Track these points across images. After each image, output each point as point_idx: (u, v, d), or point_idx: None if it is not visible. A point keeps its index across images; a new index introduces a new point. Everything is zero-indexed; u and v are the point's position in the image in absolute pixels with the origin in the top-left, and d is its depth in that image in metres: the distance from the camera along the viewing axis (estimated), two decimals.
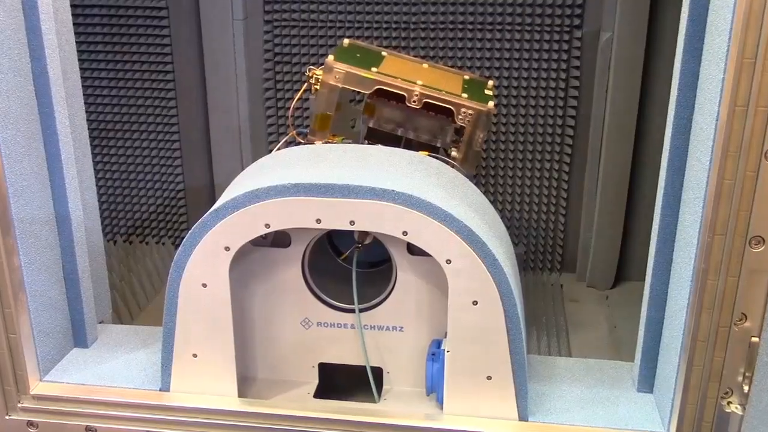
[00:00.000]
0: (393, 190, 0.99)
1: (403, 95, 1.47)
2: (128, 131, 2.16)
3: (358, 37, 1.98)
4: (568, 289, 2.10)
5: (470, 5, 1.92)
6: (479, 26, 1.93)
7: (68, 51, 1.17)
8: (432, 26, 1.95)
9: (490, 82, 1.64)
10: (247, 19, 1.99)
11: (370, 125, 1.57)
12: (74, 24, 2.02)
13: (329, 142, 1.51)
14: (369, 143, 1.61)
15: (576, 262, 2.14)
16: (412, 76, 1.52)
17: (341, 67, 1.47)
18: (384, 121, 1.56)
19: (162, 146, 2.17)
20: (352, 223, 1.00)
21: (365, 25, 1.97)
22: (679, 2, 1.83)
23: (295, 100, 1.53)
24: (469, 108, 1.47)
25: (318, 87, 1.50)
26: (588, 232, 2.07)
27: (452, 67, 1.96)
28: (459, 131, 1.52)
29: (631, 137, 1.94)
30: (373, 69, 1.49)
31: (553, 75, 1.95)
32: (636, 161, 1.98)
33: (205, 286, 1.07)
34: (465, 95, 1.49)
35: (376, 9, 1.95)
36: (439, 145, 1.57)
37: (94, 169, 2.14)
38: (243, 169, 2.09)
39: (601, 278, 2.09)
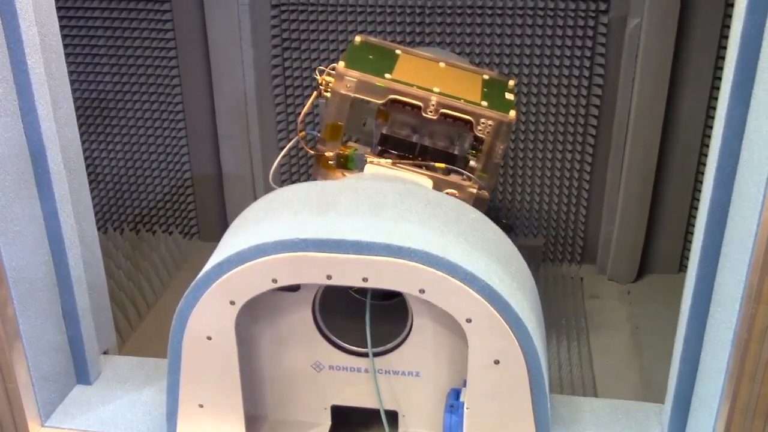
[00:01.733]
0: (409, 248, 0.92)
1: (419, 105, 1.38)
2: (133, 119, 2.08)
3: (370, 23, 1.88)
4: (588, 282, 2.03)
5: None
6: (499, 11, 1.82)
7: (59, 78, 1.08)
8: (449, 11, 1.84)
9: (511, 82, 1.54)
10: (254, 3, 1.88)
11: (384, 131, 1.49)
12: (75, 12, 1.95)
13: (341, 154, 1.43)
14: (382, 149, 1.53)
15: (597, 253, 2.07)
16: (428, 80, 1.43)
17: (353, 75, 1.37)
18: (398, 127, 1.47)
19: (168, 134, 2.10)
20: (365, 280, 0.93)
21: (377, 9, 1.86)
22: None
23: (305, 108, 1.44)
24: (488, 118, 1.37)
25: (328, 94, 1.41)
26: (610, 225, 1.99)
27: (470, 55, 1.86)
28: (478, 138, 1.43)
29: (658, 129, 1.84)
30: (387, 75, 1.40)
31: (577, 63, 1.84)
32: (663, 153, 1.89)
33: (209, 338, 1.01)
34: (485, 103, 1.40)
35: None
36: (456, 152, 1.49)
37: (99, 158, 2.10)
38: (251, 158, 2.03)
39: (623, 271, 2.02)
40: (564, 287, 2.00)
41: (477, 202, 1.43)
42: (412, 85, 1.38)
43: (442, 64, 1.55)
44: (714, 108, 1.82)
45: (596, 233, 2.04)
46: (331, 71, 1.44)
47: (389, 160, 1.42)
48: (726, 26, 1.75)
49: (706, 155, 1.85)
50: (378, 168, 1.42)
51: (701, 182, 1.90)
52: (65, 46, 1.97)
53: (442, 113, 1.38)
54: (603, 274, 2.05)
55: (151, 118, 2.08)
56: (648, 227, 1.97)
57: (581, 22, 1.80)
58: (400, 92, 1.37)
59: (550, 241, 2.06)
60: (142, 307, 1.93)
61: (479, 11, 1.83)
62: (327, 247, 0.92)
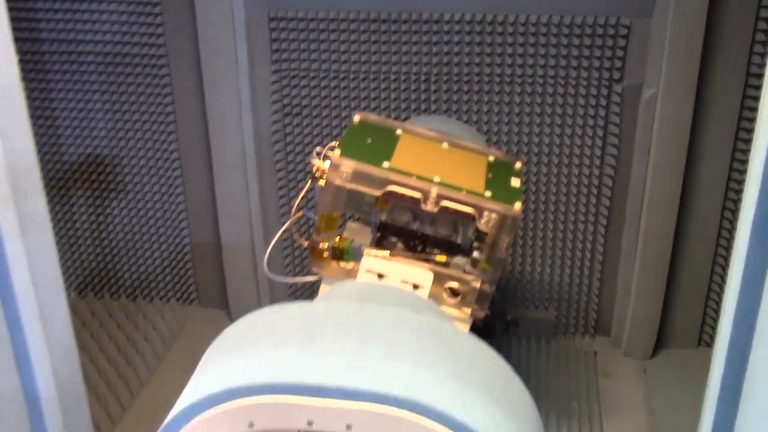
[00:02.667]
0: (396, 396, 0.84)
1: (418, 197, 1.30)
2: (131, 191, 2.02)
3: (374, 90, 1.80)
4: (602, 357, 1.94)
5: (497, 56, 1.72)
6: (507, 79, 1.74)
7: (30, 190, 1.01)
8: (455, 78, 1.76)
9: (518, 164, 1.46)
10: (253, 68, 1.82)
11: (382, 219, 1.41)
12: (71, 75, 1.89)
13: (336, 246, 1.35)
14: (381, 236, 1.45)
15: (611, 325, 1.97)
16: (429, 167, 1.35)
17: (348, 166, 1.30)
18: (397, 215, 1.39)
19: (167, 199, 2.03)
20: (348, 427, 0.85)
21: (381, 76, 1.79)
22: (733, 59, 1.64)
23: (299, 198, 1.37)
24: (492, 211, 1.29)
25: (323, 182, 1.33)
26: (625, 298, 1.90)
27: (477, 123, 1.78)
28: (481, 231, 1.34)
29: (675, 201, 1.76)
30: (385, 164, 1.32)
31: (590, 132, 1.76)
32: (680, 223, 1.80)
33: None
34: (488, 193, 1.31)
35: (393, 59, 1.77)
36: (460, 241, 1.41)
37: (97, 227, 2.04)
38: (251, 226, 1.96)
39: (639, 347, 1.92)
40: (576, 363, 1.91)
41: (480, 297, 1.35)
42: (411, 175, 1.31)
43: (445, 145, 1.47)
44: (734, 176, 1.73)
45: (610, 305, 1.95)
46: (329, 151, 1.37)
47: (386, 252, 1.34)
48: (747, 96, 1.66)
49: (726, 224, 1.76)
50: (375, 261, 1.34)
51: (721, 252, 1.82)
52: (62, 110, 1.92)
53: (443, 205, 1.30)
54: (618, 348, 1.95)
55: (149, 182, 2.02)
56: (665, 299, 1.88)
57: (594, 91, 1.72)
58: (398, 183, 1.30)
59: (563, 313, 1.97)
60: (135, 384, 1.85)
61: (487, 79, 1.75)
62: (308, 392, 0.85)
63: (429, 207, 1.30)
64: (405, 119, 1.82)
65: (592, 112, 1.73)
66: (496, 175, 1.40)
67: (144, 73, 1.88)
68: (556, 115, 1.75)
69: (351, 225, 1.52)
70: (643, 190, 1.76)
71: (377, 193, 1.31)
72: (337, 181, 1.31)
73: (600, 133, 1.75)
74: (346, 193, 1.32)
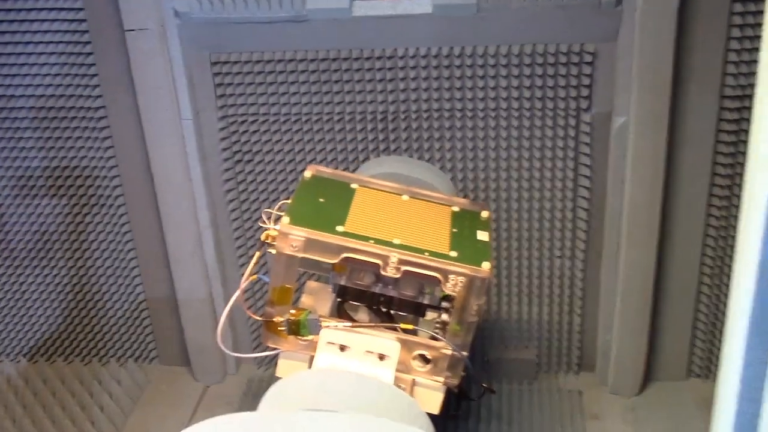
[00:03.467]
0: None
1: (378, 263, 1.19)
2: (78, 249, 1.90)
3: (328, 131, 1.69)
4: (588, 397, 1.83)
5: (456, 90, 1.61)
6: (469, 113, 1.63)
7: None
8: (414, 115, 1.65)
9: (485, 213, 1.36)
10: (198, 117, 1.70)
11: (342, 283, 1.30)
12: (4, 132, 1.76)
13: (291, 320, 1.23)
14: (341, 301, 1.34)
15: (596, 362, 1.87)
16: (388, 228, 1.24)
17: (299, 234, 1.18)
18: (357, 278, 1.28)
19: (117, 256, 1.91)
20: None
21: (335, 117, 1.68)
22: (706, 81, 1.55)
23: (248, 270, 1.25)
24: (459, 274, 1.18)
25: (273, 250, 1.21)
26: (607, 334, 1.80)
27: (440, 161, 1.68)
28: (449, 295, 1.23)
29: (654, 232, 1.66)
30: (338, 228, 1.21)
31: (560, 164, 1.66)
32: (661, 252, 1.70)
33: None
34: (454, 253, 1.20)
35: (347, 98, 1.65)
36: (427, 302, 1.30)
37: (45, 288, 1.90)
38: (208, 278, 1.84)
39: (626, 383, 1.82)
40: (561, 404, 1.81)
41: (452, 363, 1.24)
42: (368, 239, 1.19)
43: (404, 197, 1.36)
44: (714, 201, 1.64)
45: (593, 342, 1.85)
46: (279, 213, 1.25)
47: (347, 324, 1.23)
48: (722, 120, 1.57)
49: (708, 251, 1.67)
50: (335, 333, 1.23)
51: (704, 280, 1.72)
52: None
53: (405, 270, 1.19)
54: (604, 386, 1.85)
55: (96, 239, 1.89)
56: (650, 331, 1.78)
57: (561, 122, 1.62)
58: (354, 250, 1.18)
59: (544, 352, 1.87)
60: None
61: (447, 114, 1.64)
62: None
63: (390, 273, 1.19)
64: (364, 160, 1.70)
65: (561, 143, 1.63)
66: (462, 229, 1.29)
67: (82, 126, 1.76)
68: (522, 148, 1.65)
69: (310, 285, 1.41)
70: (620, 221, 1.66)
71: (332, 260, 1.19)
72: (288, 251, 1.19)
73: (571, 165, 1.65)
74: (298, 262, 1.20)
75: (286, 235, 1.18)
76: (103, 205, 1.84)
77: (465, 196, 1.70)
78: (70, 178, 1.81)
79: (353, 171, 1.68)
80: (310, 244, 1.18)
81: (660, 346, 1.82)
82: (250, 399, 1.88)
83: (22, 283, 1.95)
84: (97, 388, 1.90)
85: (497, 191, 1.70)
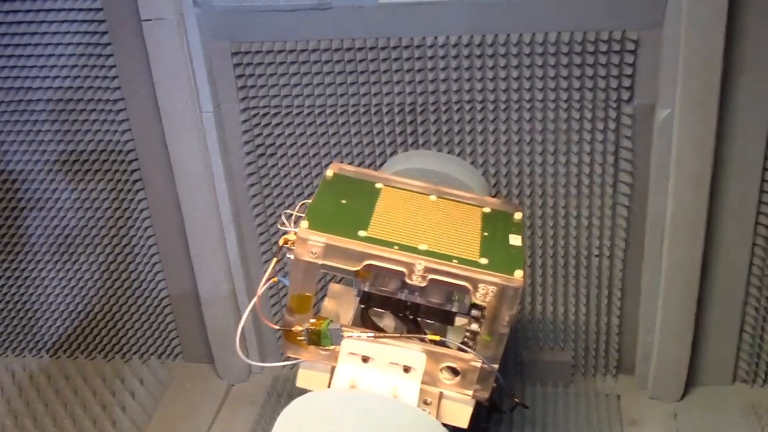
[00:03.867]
0: None
1: (402, 270, 1.11)
2: (99, 244, 1.85)
3: (354, 124, 1.61)
4: (626, 401, 1.75)
5: (489, 81, 1.53)
6: (503, 105, 1.55)
7: None
8: (444, 108, 1.57)
9: (518, 215, 1.27)
10: (219, 109, 1.63)
11: (365, 289, 1.23)
12: (22, 126, 1.71)
13: (312, 330, 1.17)
14: (365, 308, 1.27)
15: (634, 365, 1.78)
16: (414, 232, 1.16)
17: (318, 240, 1.11)
18: (382, 284, 1.21)
19: (138, 252, 1.86)
20: None
21: (362, 109, 1.60)
22: (759, 68, 1.44)
23: (265, 278, 1.19)
24: (489, 284, 1.10)
25: (292, 256, 1.15)
26: (648, 336, 1.71)
27: (472, 155, 1.59)
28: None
29: (700, 232, 1.56)
30: (361, 232, 1.14)
31: (599, 159, 1.57)
32: (708, 250, 1.60)
33: None
34: (484, 260, 1.13)
35: (374, 90, 1.58)
36: (456, 310, 1.22)
37: (67, 283, 1.87)
38: (231, 275, 1.78)
39: (667, 388, 1.73)
40: (598, 410, 1.72)
41: (482, 376, 1.17)
42: (392, 245, 1.12)
43: (432, 198, 1.28)
44: (766, 198, 1.53)
45: (633, 343, 1.76)
46: (299, 214, 1.18)
47: (371, 334, 1.16)
48: None
49: (758, 252, 1.58)
50: (358, 343, 1.16)
51: (754, 281, 1.62)
52: (17, 163, 1.75)
53: (432, 278, 1.11)
54: (644, 389, 1.76)
55: (117, 234, 1.84)
56: (694, 333, 1.68)
57: (601, 114, 1.52)
58: (377, 258, 1.11)
59: (580, 353, 1.78)
60: None
61: (480, 106, 1.56)
62: None
63: (415, 281, 1.11)
64: (392, 154, 1.63)
65: (600, 137, 1.54)
66: (494, 233, 1.21)
67: (101, 119, 1.70)
68: (559, 143, 1.55)
69: (333, 288, 1.35)
70: (664, 220, 1.57)
71: (354, 268, 1.12)
72: (306, 257, 1.12)
73: (611, 160, 1.55)
74: (318, 268, 1.13)
75: (305, 240, 1.12)
76: (123, 199, 1.79)
77: (496, 194, 1.62)
78: (89, 173, 1.77)
79: (380, 165, 1.61)
80: (330, 251, 1.11)
81: (704, 349, 1.72)
82: (274, 398, 1.83)
83: (44, 278, 1.91)
84: (119, 386, 1.87)
85: (532, 186, 1.61)
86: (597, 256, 1.67)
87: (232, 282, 1.80)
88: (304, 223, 1.13)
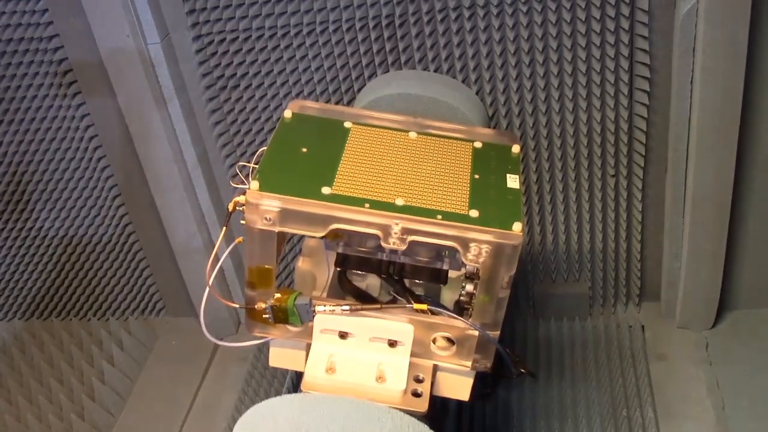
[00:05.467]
0: None
1: (377, 234, 0.92)
2: (60, 199, 1.67)
3: (323, 45, 1.38)
4: (652, 333, 1.58)
5: None
6: (494, 8, 1.31)
7: None
8: (427, 17, 1.34)
9: (515, 148, 1.07)
10: (168, 39, 1.41)
11: (339, 250, 1.04)
12: None
13: (276, 306, 0.99)
14: (341, 271, 1.08)
15: (659, 291, 1.60)
16: (390, 184, 0.96)
17: (272, 204, 0.92)
18: (358, 245, 1.02)
19: (103, 205, 1.68)
20: None
21: (330, 26, 1.37)
22: None
23: (215, 248, 1.00)
24: (482, 242, 0.91)
25: (245, 222, 0.96)
26: (675, 261, 1.52)
27: (463, 72, 1.37)
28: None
29: (732, 139, 1.35)
30: (325, 189, 0.94)
31: (610, 64, 1.34)
32: (741, 163, 1.39)
33: None
34: (474, 212, 0.93)
35: (342, 2, 1.34)
36: (447, 267, 1.04)
37: (23, 244, 1.70)
38: (205, 221, 1.60)
39: (697, 315, 1.56)
40: (620, 344, 1.55)
41: (482, 344, 0.99)
42: (363, 202, 0.92)
43: (412, 135, 1.07)
44: None
45: (657, 269, 1.58)
46: (255, 168, 0.99)
47: (345, 306, 0.98)
48: None
49: None
50: (332, 319, 0.98)
51: None
52: None
53: (413, 240, 0.92)
54: (671, 318, 1.59)
55: (77, 188, 1.65)
56: (726, 251, 1.50)
57: (610, 11, 1.28)
58: (344, 221, 0.92)
59: (598, 284, 1.60)
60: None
61: (468, 13, 1.32)
62: None
63: (392, 245, 0.92)
64: (370, 77, 1.41)
65: (611, 38, 1.30)
66: (486, 175, 1.01)
67: (37, 60, 1.48)
68: (564, 48, 1.33)
69: (308, 244, 1.16)
70: (688, 129, 1.35)
71: (319, 234, 0.93)
72: (260, 225, 0.93)
73: (624, 64, 1.33)
74: (276, 236, 0.94)
75: (256, 205, 0.92)
76: (77, 148, 1.60)
77: (493, 120, 1.40)
78: (35, 121, 1.56)
79: (360, 90, 1.40)
80: (287, 216, 0.92)
81: (737, 270, 1.54)
82: (265, 354, 1.67)
83: (6, 238, 1.74)
84: (96, 350, 1.72)
85: (535, 102, 1.39)
86: (613, 176, 1.46)
87: (207, 231, 1.63)
88: (254, 184, 0.93)
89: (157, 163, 1.53)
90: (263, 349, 1.69)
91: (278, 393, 1.57)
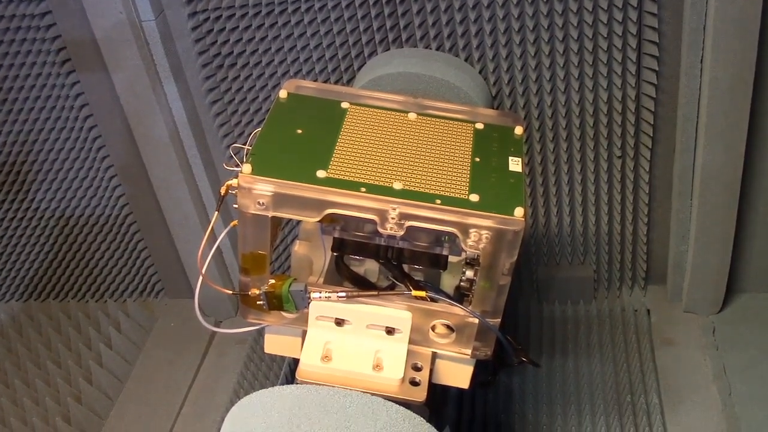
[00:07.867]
0: None
1: (373, 219, 0.89)
2: (55, 180, 1.64)
3: (322, 22, 1.35)
4: (658, 317, 1.55)
5: None
6: None
7: None
8: None
9: (518, 129, 1.03)
10: (163, 15, 1.38)
11: (336, 235, 1.01)
12: None
13: (270, 292, 0.96)
14: (338, 256, 1.06)
15: (665, 274, 1.57)
16: (387, 167, 0.93)
17: (265, 188, 0.89)
18: (355, 229, 0.99)
19: (99, 185, 1.65)
20: None
21: (329, 2, 1.33)
22: None
23: (207, 231, 0.97)
24: (482, 228, 0.88)
25: (237, 207, 0.93)
26: (682, 244, 1.49)
27: (466, 49, 1.33)
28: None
29: (743, 119, 1.31)
30: (320, 173, 0.91)
31: (617, 41, 1.30)
32: (751, 145, 1.35)
33: None
34: (475, 197, 0.90)
35: None
36: (446, 253, 1.01)
37: (20, 225, 1.67)
38: (202, 199, 1.58)
39: (704, 299, 1.53)
40: (625, 329, 1.53)
41: (482, 329, 0.96)
42: (359, 186, 0.89)
43: (411, 116, 1.04)
44: None
45: (663, 252, 1.54)
46: (248, 150, 0.96)
47: (342, 293, 0.95)
48: None
49: None
50: (328, 306, 0.95)
51: None
52: None
53: (411, 226, 0.89)
54: (677, 302, 1.56)
55: (73, 168, 1.63)
56: (735, 234, 1.46)
57: None
58: (339, 205, 0.88)
59: (603, 267, 1.57)
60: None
61: None
62: None
63: (389, 230, 0.89)
64: (370, 55, 1.37)
65: (619, 15, 1.26)
66: (488, 158, 0.98)
67: (30, 38, 1.45)
68: (569, 24, 1.28)
69: (305, 227, 1.13)
70: (697, 108, 1.31)
71: (314, 219, 0.90)
72: (252, 209, 0.90)
73: (632, 42, 1.28)
74: (270, 221, 0.91)
75: (249, 189, 0.89)
76: (72, 128, 1.56)
77: (492, 99, 1.37)
78: (29, 100, 1.53)
79: (359, 69, 1.36)
80: (281, 200, 0.89)
81: (746, 253, 1.50)
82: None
83: (3, 219, 1.72)
84: (93, 333, 1.70)
85: (539, 81, 1.35)
86: (619, 157, 1.42)
87: (205, 212, 1.60)
88: (246, 167, 0.90)
89: (153, 143, 1.50)
90: (262, 332, 1.66)
91: (277, 376, 1.55)
